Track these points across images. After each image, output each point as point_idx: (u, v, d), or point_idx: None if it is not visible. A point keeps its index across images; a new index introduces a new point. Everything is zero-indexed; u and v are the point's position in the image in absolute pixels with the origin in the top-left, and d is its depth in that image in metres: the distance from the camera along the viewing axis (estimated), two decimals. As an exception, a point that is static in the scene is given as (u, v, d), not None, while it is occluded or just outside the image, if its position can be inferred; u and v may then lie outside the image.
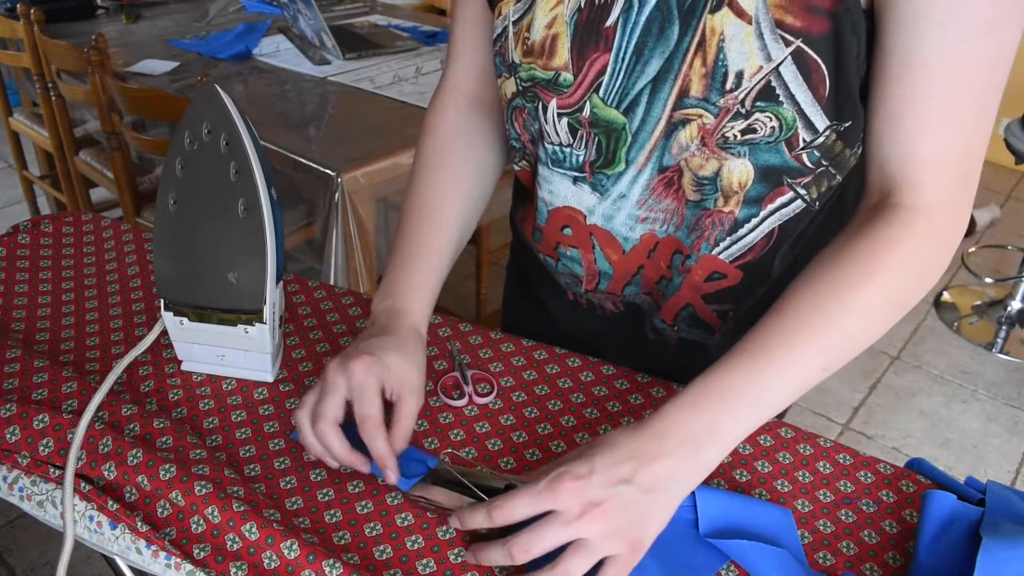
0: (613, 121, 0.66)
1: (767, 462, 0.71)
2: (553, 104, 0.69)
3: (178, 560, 0.61)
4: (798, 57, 0.58)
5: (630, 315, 0.83)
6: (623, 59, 0.63)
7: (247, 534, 0.60)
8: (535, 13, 0.66)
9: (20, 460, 0.69)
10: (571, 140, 0.70)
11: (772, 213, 0.68)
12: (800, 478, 0.70)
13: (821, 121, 0.61)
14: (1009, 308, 2.65)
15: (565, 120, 0.69)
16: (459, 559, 0.61)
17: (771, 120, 0.61)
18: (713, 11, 0.58)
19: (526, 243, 0.86)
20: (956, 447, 2.16)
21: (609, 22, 0.63)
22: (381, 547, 0.62)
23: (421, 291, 0.74)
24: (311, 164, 1.63)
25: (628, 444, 0.58)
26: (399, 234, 0.78)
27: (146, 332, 0.85)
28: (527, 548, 0.56)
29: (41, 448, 0.69)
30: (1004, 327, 2.63)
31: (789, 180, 0.66)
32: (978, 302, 2.76)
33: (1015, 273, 2.69)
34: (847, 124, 0.62)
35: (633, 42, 0.63)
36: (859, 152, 0.65)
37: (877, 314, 0.60)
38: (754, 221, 0.68)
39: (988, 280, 2.85)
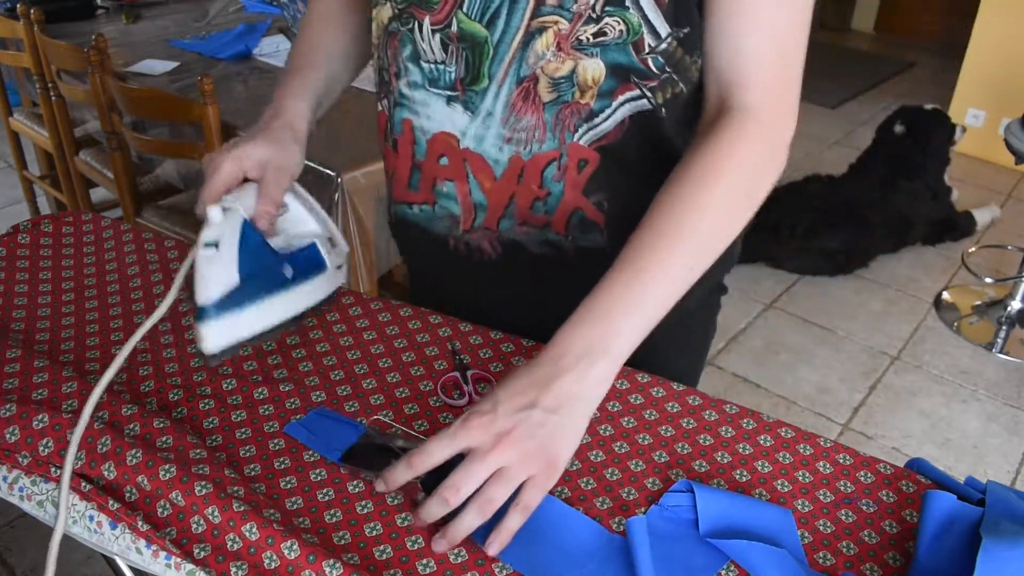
0: (476, 34, 0.73)
1: (767, 462, 0.71)
2: (427, 21, 0.75)
3: (178, 560, 0.61)
4: None
5: (507, 257, 0.84)
6: None
7: (247, 534, 0.60)
8: None
9: (20, 460, 0.69)
10: (444, 56, 0.76)
11: (623, 104, 0.74)
12: (800, 478, 0.70)
13: (663, 27, 0.70)
14: (1009, 308, 2.65)
15: (438, 36, 0.75)
16: (459, 559, 0.61)
17: (619, 24, 0.69)
18: None
19: (401, 208, 0.90)
20: (956, 447, 2.16)
21: None
22: (381, 547, 0.62)
23: (298, 97, 0.85)
24: (311, 164, 1.63)
25: (526, 374, 0.63)
26: (284, 71, 0.89)
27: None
28: (457, 487, 0.59)
29: (41, 448, 0.69)
30: (1004, 327, 2.63)
31: (636, 79, 0.73)
32: (978, 302, 2.76)
33: (1015, 273, 2.69)
34: (685, 31, 0.70)
35: None
36: (699, 64, 0.73)
37: (726, 208, 0.68)
38: (607, 111, 0.75)
39: (988, 280, 2.85)
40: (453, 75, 0.76)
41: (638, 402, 0.77)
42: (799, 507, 0.67)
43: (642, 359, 0.70)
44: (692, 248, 0.66)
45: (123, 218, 2.15)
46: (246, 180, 0.80)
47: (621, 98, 0.74)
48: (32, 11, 2.18)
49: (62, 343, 0.84)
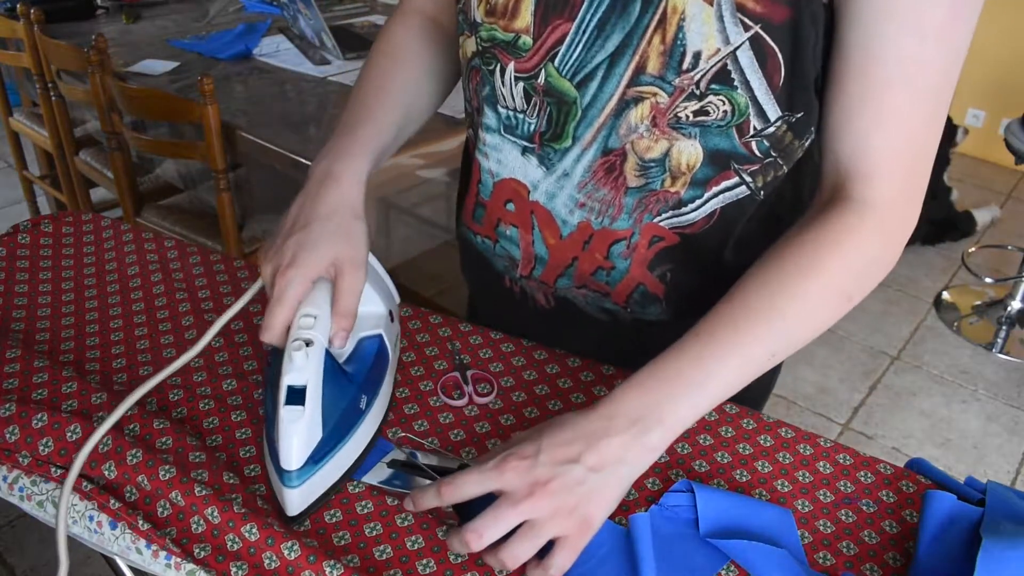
0: (566, 93, 0.67)
1: (767, 462, 0.71)
2: (511, 67, 0.69)
3: (178, 560, 0.61)
4: (756, 43, 0.59)
5: (560, 312, 0.83)
6: (584, 31, 0.64)
7: (247, 534, 0.60)
8: None
9: (20, 460, 0.69)
10: (525, 106, 0.70)
11: (716, 195, 0.69)
12: (800, 478, 0.70)
13: (773, 110, 0.63)
14: (1009, 308, 2.65)
15: (521, 85, 0.69)
16: (459, 559, 0.61)
17: (724, 104, 0.62)
18: None
19: (465, 230, 0.86)
20: (956, 447, 2.16)
21: None
22: (381, 547, 0.62)
23: (359, 155, 0.74)
24: (311, 164, 1.63)
25: (576, 425, 0.59)
26: (345, 111, 0.79)
27: (146, 332, 0.85)
28: (481, 533, 0.56)
29: (41, 448, 0.69)
30: (1004, 327, 2.63)
31: (736, 166, 0.67)
32: (978, 302, 2.76)
33: (1015, 273, 2.69)
34: (799, 115, 0.64)
35: (598, 15, 0.63)
36: (807, 145, 0.67)
37: (822, 302, 0.61)
38: (698, 201, 0.70)
39: (988, 280, 2.85)
40: (533, 127, 0.71)
41: (638, 402, 0.77)
42: (799, 507, 0.67)
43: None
44: (776, 336, 0.60)
45: (123, 218, 2.15)
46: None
47: (715, 188, 0.68)
48: (32, 11, 2.18)
49: (62, 343, 0.84)
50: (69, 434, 0.69)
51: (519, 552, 0.56)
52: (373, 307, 0.74)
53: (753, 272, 0.62)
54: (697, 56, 0.60)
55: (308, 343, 0.63)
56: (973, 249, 3.05)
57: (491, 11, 0.68)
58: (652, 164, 0.67)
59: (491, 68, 0.71)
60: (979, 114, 3.78)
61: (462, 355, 0.83)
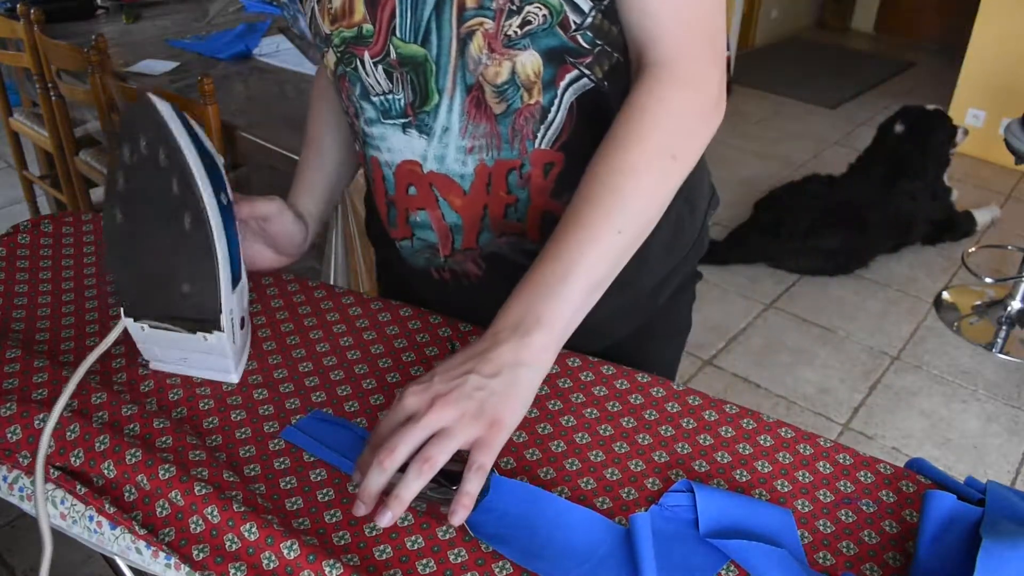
0: (415, 55, 0.73)
1: (767, 462, 0.71)
2: (366, 55, 0.75)
3: (178, 560, 0.61)
4: None
5: (493, 273, 0.85)
6: None
7: (246, 534, 0.60)
8: None
9: (20, 460, 0.69)
10: (391, 85, 0.76)
11: (566, 90, 0.74)
12: (800, 478, 0.70)
13: (585, 2, 0.69)
14: (1009, 308, 2.65)
15: (380, 67, 0.75)
16: (459, 559, 0.61)
17: (541, 9, 0.68)
18: None
19: (384, 241, 0.93)
20: (956, 447, 2.16)
21: None
22: (381, 547, 0.62)
23: (305, 194, 0.92)
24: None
25: (464, 351, 0.64)
26: (297, 168, 0.94)
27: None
28: (392, 449, 0.59)
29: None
30: (1004, 327, 2.63)
31: (571, 60, 0.73)
32: (978, 302, 2.76)
33: (1015, 273, 2.69)
34: (606, 2, 0.70)
35: None
36: None
37: (646, 167, 0.66)
38: (556, 103, 0.75)
39: (988, 280, 2.85)
40: (403, 102, 0.76)
41: (638, 402, 0.77)
42: (799, 507, 0.67)
43: (619, 351, 0.70)
44: (617, 213, 0.65)
45: (123, 218, 2.14)
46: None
47: (563, 83, 0.74)
48: (32, 11, 2.18)
49: (62, 343, 0.84)
50: (69, 434, 0.69)
51: (433, 452, 0.58)
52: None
53: (588, 165, 0.68)
54: None
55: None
56: (973, 249, 3.05)
57: (334, 19, 0.75)
58: (506, 86, 0.73)
59: (352, 66, 0.77)
60: (979, 114, 3.78)
61: (462, 355, 0.83)
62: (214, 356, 0.77)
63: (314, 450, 0.70)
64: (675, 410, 0.76)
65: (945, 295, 2.80)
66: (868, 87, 4.75)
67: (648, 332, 0.84)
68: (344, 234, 1.64)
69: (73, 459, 0.68)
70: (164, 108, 0.71)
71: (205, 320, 0.74)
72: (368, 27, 0.73)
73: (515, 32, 0.70)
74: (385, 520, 0.59)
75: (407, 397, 0.61)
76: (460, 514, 0.59)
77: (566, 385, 0.79)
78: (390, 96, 0.77)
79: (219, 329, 0.74)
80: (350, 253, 1.66)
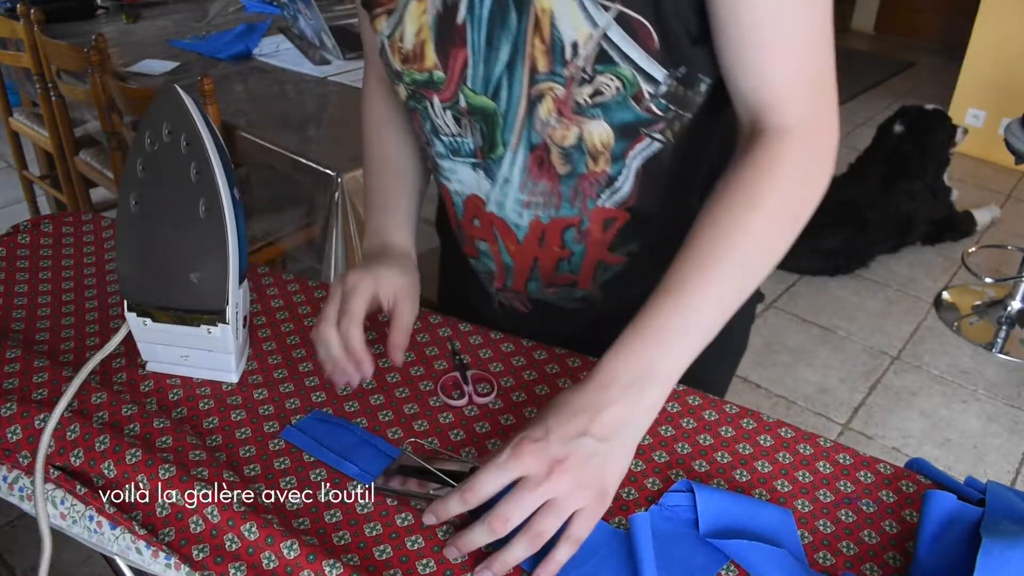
0: (485, 107, 0.73)
1: (767, 462, 0.71)
2: (436, 100, 0.76)
3: (178, 560, 0.61)
4: (622, 19, 0.65)
5: (538, 314, 0.88)
6: (479, 51, 0.71)
7: (246, 534, 0.60)
8: (405, 25, 0.74)
9: (21, 460, 0.69)
10: (459, 129, 0.77)
11: (635, 158, 0.74)
12: (800, 478, 0.70)
13: (659, 72, 0.68)
14: (1009, 308, 2.65)
15: (449, 112, 0.76)
16: (459, 559, 0.61)
17: (613, 80, 0.67)
18: None
19: (452, 245, 0.93)
20: (956, 447, 2.16)
21: (459, 20, 0.70)
22: (381, 547, 0.62)
23: (404, 228, 0.86)
24: (311, 164, 1.63)
25: (576, 400, 0.61)
26: (369, 187, 0.89)
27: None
28: (507, 517, 0.58)
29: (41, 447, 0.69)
30: (1004, 327, 2.63)
31: (644, 130, 0.72)
32: (978, 302, 2.76)
33: (1015, 273, 2.69)
34: (683, 70, 0.68)
35: (483, 34, 0.70)
36: (703, 90, 0.70)
37: (772, 228, 0.65)
38: (624, 172, 0.74)
39: (988, 280, 2.85)
40: (472, 145, 0.77)
41: (638, 402, 0.77)
42: (799, 507, 0.67)
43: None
44: (738, 269, 0.64)
45: (123, 218, 2.14)
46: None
47: (632, 154, 0.73)
48: (32, 11, 2.18)
49: (62, 343, 0.84)
50: (69, 434, 0.69)
51: (544, 528, 0.58)
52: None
53: (703, 218, 0.66)
54: (575, 46, 0.66)
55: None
56: (973, 249, 3.05)
57: (405, 59, 0.76)
58: (572, 150, 0.73)
59: (423, 105, 0.78)
60: (979, 114, 3.77)
61: (462, 355, 0.83)
62: (216, 353, 0.77)
63: (314, 450, 0.70)
64: (675, 410, 0.76)
65: (945, 295, 2.80)
66: (868, 87, 4.75)
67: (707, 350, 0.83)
68: (344, 234, 1.64)
69: (73, 459, 0.68)
70: (188, 100, 0.72)
71: (211, 311, 0.74)
72: (439, 74, 0.74)
73: (585, 101, 0.69)
74: None
75: (524, 456, 0.59)
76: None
77: (566, 385, 0.79)
78: (459, 138, 0.78)
79: (224, 322, 0.74)
80: (350, 253, 1.66)
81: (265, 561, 0.59)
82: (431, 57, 0.73)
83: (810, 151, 0.66)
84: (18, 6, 2.27)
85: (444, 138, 0.79)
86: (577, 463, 0.59)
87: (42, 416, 0.70)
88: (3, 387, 0.75)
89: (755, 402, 2.28)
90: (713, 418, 0.75)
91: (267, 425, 0.74)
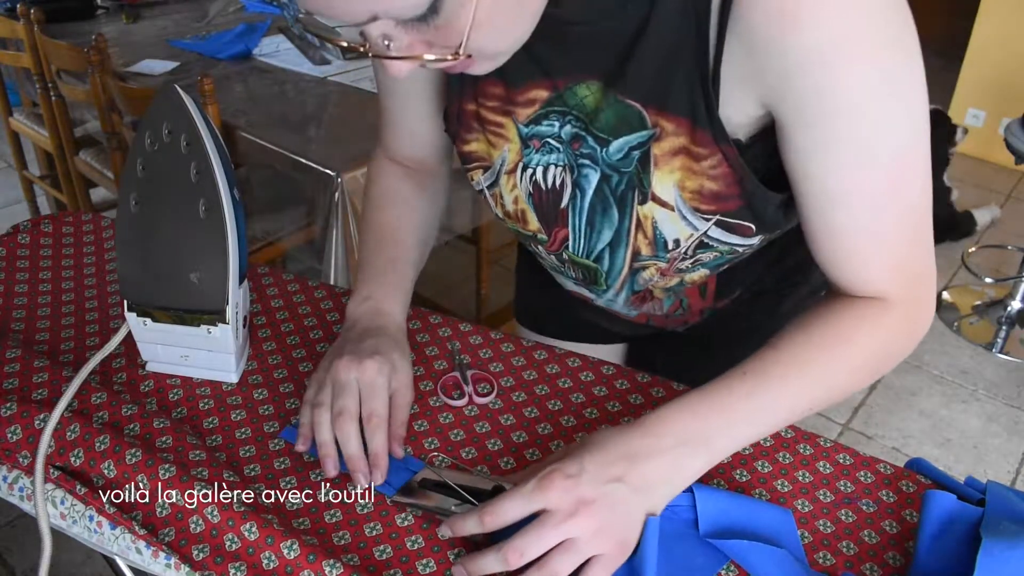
0: (588, 266, 0.79)
1: (767, 462, 0.71)
2: (540, 247, 0.81)
3: (178, 560, 0.61)
4: (721, 223, 0.68)
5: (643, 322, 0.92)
6: (580, 232, 0.75)
7: (246, 534, 0.60)
8: (501, 190, 0.77)
9: (21, 460, 0.69)
10: (561, 267, 0.82)
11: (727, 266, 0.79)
12: (800, 478, 0.70)
13: (755, 240, 0.71)
14: (1009, 308, 2.65)
15: (552, 256, 0.81)
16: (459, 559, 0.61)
17: (712, 252, 0.71)
18: (641, 203, 0.69)
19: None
20: (956, 447, 2.16)
21: (563, 205, 0.74)
22: (381, 547, 0.62)
23: (398, 294, 0.80)
24: (311, 164, 1.63)
25: (620, 444, 0.60)
26: (364, 256, 0.83)
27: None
28: (522, 551, 0.56)
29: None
30: (1004, 327, 2.63)
31: (738, 259, 0.76)
32: (978, 302, 2.76)
33: (1015, 273, 2.69)
34: (776, 233, 0.72)
35: (584, 219, 0.74)
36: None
37: (858, 371, 0.66)
38: (717, 275, 0.81)
39: (988, 280, 2.85)
40: (574, 277, 0.83)
41: (638, 402, 0.77)
42: (799, 507, 0.67)
43: (728, 356, 0.71)
44: (818, 392, 0.64)
45: (123, 218, 2.14)
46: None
47: (726, 267, 0.78)
48: (32, 11, 2.18)
49: (62, 343, 0.84)
50: (69, 434, 0.69)
51: (559, 568, 0.56)
52: None
53: (799, 329, 0.66)
54: (677, 241, 0.70)
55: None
56: (973, 249, 3.05)
57: (506, 215, 0.79)
58: (673, 284, 0.79)
59: (528, 244, 0.83)
60: (979, 114, 3.77)
61: (462, 355, 0.83)
62: (216, 353, 0.77)
63: (314, 450, 0.70)
64: (675, 410, 0.76)
65: (945, 295, 2.80)
66: (868, 87, 4.74)
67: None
68: (344, 234, 1.64)
69: (73, 459, 0.68)
70: (188, 100, 0.72)
71: (211, 311, 0.74)
72: (543, 237, 0.78)
73: (687, 267, 0.74)
74: None
75: (551, 490, 0.57)
76: None
77: (566, 385, 0.79)
78: (562, 268, 0.83)
79: (224, 322, 0.74)
80: (350, 253, 1.66)
81: (265, 561, 0.59)
82: (533, 223, 0.77)
83: (909, 324, 0.67)
84: (18, 6, 2.27)
85: (546, 263, 0.85)
86: (605, 508, 0.57)
87: (42, 416, 0.70)
88: (3, 387, 0.75)
89: (755, 402, 2.27)
90: (713, 418, 0.75)
91: (267, 425, 0.74)
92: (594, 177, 0.70)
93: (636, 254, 0.73)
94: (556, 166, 0.72)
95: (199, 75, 1.70)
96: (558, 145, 0.71)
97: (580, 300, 0.91)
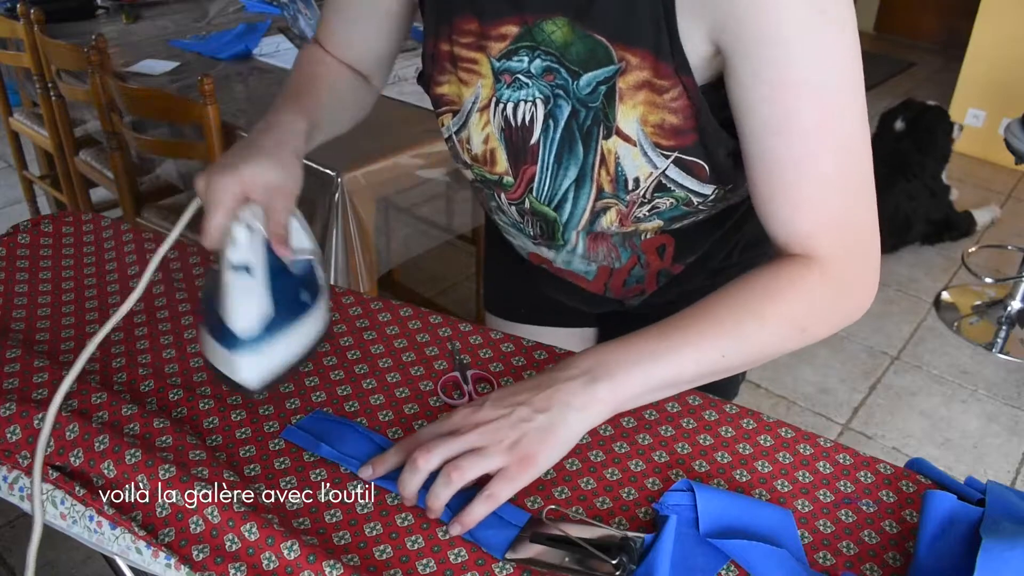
0: (547, 214, 0.81)
1: (767, 462, 0.71)
2: (503, 196, 0.83)
3: (178, 560, 0.61)
4: (679, 161, 0.71)
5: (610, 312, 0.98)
6: (547, 168, 0.77)
7: (247, 534, 0.60)
8: (470, 131, 0.79)
9: (20, 460, 0.69)
10: (520, 220, 0.85)
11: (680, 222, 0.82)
12: (800, 478, 0.70)
13: (708, 189, 0.74)
14: (1009, 308, 2.65)
15: (513, 208, 0.84)
16: (459, 559, 0.61)
17: (668, 199, 0.75)
18: (605, 138, 0.72)
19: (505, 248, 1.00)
20: (956, 447, 2.16)
21: (533, 141, 0.76)
22: (381, 547, 0.62)
23: (291, 112, 0.80)
24: (311, 164, 1.63)
25: (526, 381, 0.66)
26: (273, 108, 0.82)
27: (145, 331, 0.85)
28: (429, 449, 0.62)
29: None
30: (1004, 327, 2.63)
31: (692, 215, 0.80)
32: (978, 302, 2.76)
33: (1015, 273, 2.69)
34: (729, 187, 0.75)
35: (552, 155, 0.76)
36: (747, 187, 0.72)
37: (776, 326, 0.67)
38: (668, 229, 0.83)
39: (988, 280, 2.85)
40: (531, 232, 0.86)
41: (638, 402, 0.77)
42: (799, 507, 0.67)
43: None
44: (731, 343, 0.66)
45: (123, 218, 2.15)
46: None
47: (677, 223, 0.81)
48: (32, 11, 2.18)
49: (62, 343, 0.84)
50: (68, 434, 0.69)
51: (463, 463, 0.61)
52: (301, 246, 0.78)
53: (722, 290, 0.69)
54: (637, 180, 0.73)
55: (250, 228, 0.70)
56: (973, 249, 3.05)
57: (474, 159, 0.81)
58: (630, 234, 0.82)
59: (489, 193, 0.85)
60: (979, 114, 3.77)
61: (462, 355, 0.83)
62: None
63: (315, 449, 0.70)
64: (675, 410, 0.76)
65: (945, 295, 2.80)
66: (868, 87, 4.70)
67: None
68: (344, 234, 1.64)
69: (73, 459, 0.68)
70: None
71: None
72: (509, 179, 0.80)
73: (644, 215, 0.77)
74: (408, 499, 0.64)
75: (455, 414, 0.65)
76: (456, 528, 0.62)
77: (566, 385, 0.79)
78: (520, 224, 0.86)
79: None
80: (350, 253, 1.66)
81: (265, 562, 0.59)
82: (502, 163, 0.79)
83: (840, 284, 0.68)
84: (18, 6, 2.27)
85: (507, 218, 0.87)
86: (503, 425, 0.62)
87: (41, 416, 0.70)
88: (3, 387, 0.75)
89: (755, 402, 2.28)
90: (713, 418, 0.75)
91: (267, 425, 0.74)
92: (566, 109, 0.73)
93: (600, 191, 0.75)
94: (526, 102, 0.74)
95: (199, 75, 1.70)
96: (527, 81, 0.73)
97: (541, 271, 0.94)
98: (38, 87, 2.30)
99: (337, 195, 1.61)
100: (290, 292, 0.75)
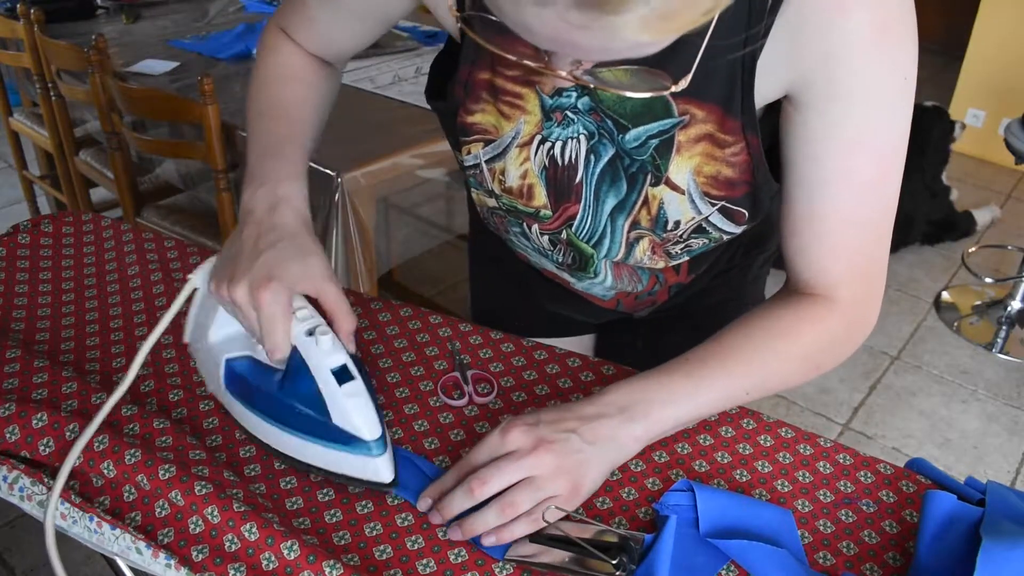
0: (584, 250, 0.79)
1: (767, 462, 0.71)
2: (536, 227, 0.80)
3: (178, 561, 0.61)
4: (724, 209, 0.71)
5: (620, 320, 0.96)
6: (588, 205, 0.75)
7: (247, 534, 0.60)
8: (507, 164, 0.75)
9: (16, 463, 0.69)
10: (551, 248, 0.82)
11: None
12: (800, 478, 0.70)
13: (741, 229, 0.74)
14: (1009, 308, 2.65)
15: (546, 237, 0.81)
16: (459, 559, 0.61)
17: (703, 239, 0.75)
18: (653, 185, 0.70)
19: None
20: (956, 447, 2.16)
21: (577, 180, 0.73)
22: (381, 547, 0.62)
23: (295, 176, 0.74)
24: (311, 164, 1.63)
25: (572, 408, 0.66)
26: (254, 131, 0.78)
27: (146, 332, 0.85)
28: (484, 480, 0.61)
29: (41, 448, 0.69)
30: (1004, 327, 2.63)
31: (716, 248, 0.80)
32: (978, 302, 2.76)
33: (1015, 273, 2.69)
34: (758, 221, 0.75)
35: (593, 189, 0.74)
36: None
37: (794, 364, 0.71)
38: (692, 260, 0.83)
39: (988, 280, 2.85)
40: (560, 259, 0.83)
41: (638, 402, 0.77)
42: (799, 507, 0.67)
43: (694, 335, 0.73)
44: (754, 379, 0.69)
45: (123, 218, 2.15)
46: None
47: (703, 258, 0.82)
48: (32, 11, 2.18)
49: (62, 343, 0.84)
50: (68, 434, 0.69)
51: (519, 499, 0.61)
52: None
53: (740, 325, 0.71)
54: (678, 223, 0.72)
55: (323, 332, 0.65)
56: (973, 249, 3.05)
57: (507, 190, 0.77)
58: (656, 268, 0.82)
59: (514, 220, 0.81)
60: (979, 114, 3.77)
61: (462, 355, 0.83)
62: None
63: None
64: (675, 410, 0.76)
65: (945, 295, 2.80)
66: (868, 87, 4.73)
67: (724, 311, 0.91)
68: (344, 234, 1.64)
69: (75, 460, 0.68)
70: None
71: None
72: (547, 213, 0.77)
73: (676, 252, 0.77)
74: (455, 536, 0.62)
75: (512, 431, 0.63)
76: (491, 540, 0.61)
77: (566, 385, 0.79)
78: (549, 252, 0.83)
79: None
80: (350, 253, 1.66)
81: (265, 562, 0.59)
82: (540, 199, 0.76)
83: (851, 325, 0.71)
84: (18, 6, 2.27)
85: (529, 244, 0.84)
86: (562, 449, 0.62)
87: (40, 415, 0.70)
88: (3, 387, 0.75)
89: (755, 402, 2.28)
90: (713, 418, 0.75)
91: (267, 425, 0.74)
92: (611, 149, 0.71)
93: (635, 224, 0.74)
94: (572, 138, 0.72)
95: (199, 75, 1.70)
96: (573, 117, 0.71)
97: (548, 291, 0.93)
98: (38, 87, 2.30)
99: (337, 195, 1.60)
100: (370, 383, 0.68)
